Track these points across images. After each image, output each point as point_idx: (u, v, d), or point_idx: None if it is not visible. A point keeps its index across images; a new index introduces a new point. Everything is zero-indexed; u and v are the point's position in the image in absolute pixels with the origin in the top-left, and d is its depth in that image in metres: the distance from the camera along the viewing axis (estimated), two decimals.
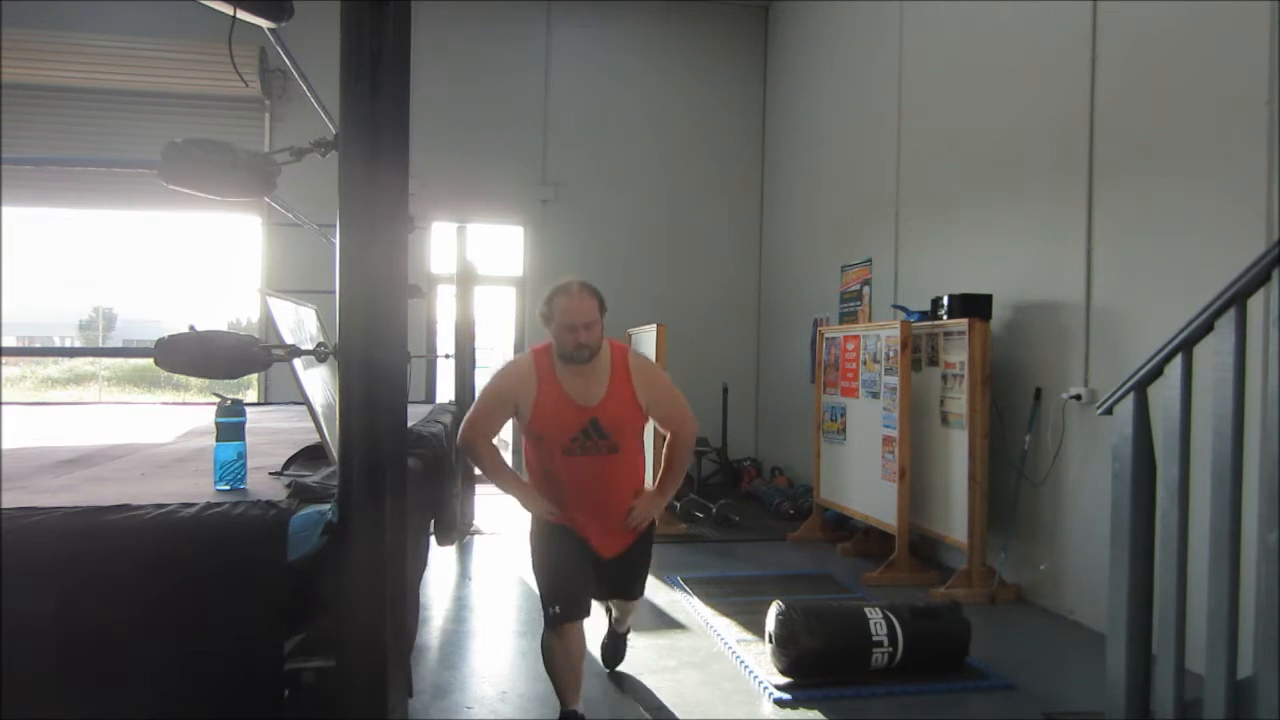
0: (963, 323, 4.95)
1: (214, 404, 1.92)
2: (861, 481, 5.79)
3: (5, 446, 2.72)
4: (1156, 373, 2.63)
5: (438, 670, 3.72)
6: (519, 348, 9.08)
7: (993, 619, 4.47)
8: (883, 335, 5.59)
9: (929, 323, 5.37)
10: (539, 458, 2.94)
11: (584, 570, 2.93)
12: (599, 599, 3.14)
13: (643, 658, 3.81)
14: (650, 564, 3.21)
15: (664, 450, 3.08)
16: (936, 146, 6.02)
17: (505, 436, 9.97)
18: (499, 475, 2.93)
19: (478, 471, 3.06)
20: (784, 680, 3.51)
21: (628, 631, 3.62)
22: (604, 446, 2.86)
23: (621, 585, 3.14)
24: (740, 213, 9.39)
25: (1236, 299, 2.38)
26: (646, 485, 3.12)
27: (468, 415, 2.93)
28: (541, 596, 2.92)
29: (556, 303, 2.78)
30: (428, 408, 5.15)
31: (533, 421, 2.86)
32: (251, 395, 8.53)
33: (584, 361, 2.79)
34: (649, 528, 3.11)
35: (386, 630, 1.49)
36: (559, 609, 2.84)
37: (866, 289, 6.97)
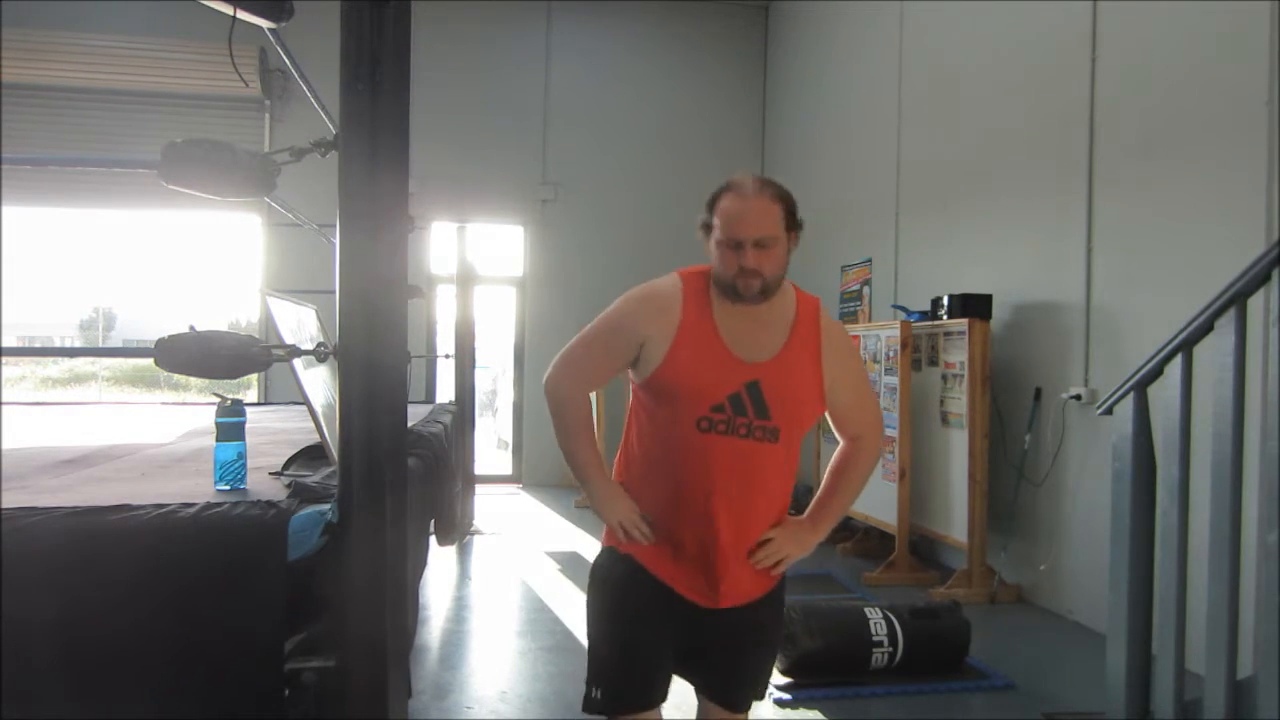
0: (963, 323, 4.95)
1: (214, 404, 1.91)
2: None
3: (5, 446, 2.72)
4: (1156, 373, 2.63)
5: (438, 670, 3.72)
6: (519, 348, 9.02)
7: (993, 619, 4.47)
8: (883, 335, 5.59)
9: (929, 323, 5.37)
10: (652, 436, 1.90)
11: (659, 655, 1.95)
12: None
13: None
14: (775, 655, 2.09)
15: (834, 461, 2.11)
16: (936, 146, 6.02)
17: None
18: (579, 450, 1.93)
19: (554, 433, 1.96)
20: (784, 680, 3.51)
21: None
22: (759, 429, 1.82)
23: (721, 676, 1.98)
24: None
25: (1236, 299, 2.38)
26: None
27: (566, 348, 1.94)
28: (588, 669, 1.95)
29: (721, 204, 1.80)
30: (428, 408, 5.14)
31: (662, 370, 1.82)
32: (251, 395, 8.53)
33: (752, 301, 1.80)
34: (778, 590, 2.01)
35: (386, 630, 1.49)
36: (601, 694, 1.91)
37: (866, 289, 6.97)
